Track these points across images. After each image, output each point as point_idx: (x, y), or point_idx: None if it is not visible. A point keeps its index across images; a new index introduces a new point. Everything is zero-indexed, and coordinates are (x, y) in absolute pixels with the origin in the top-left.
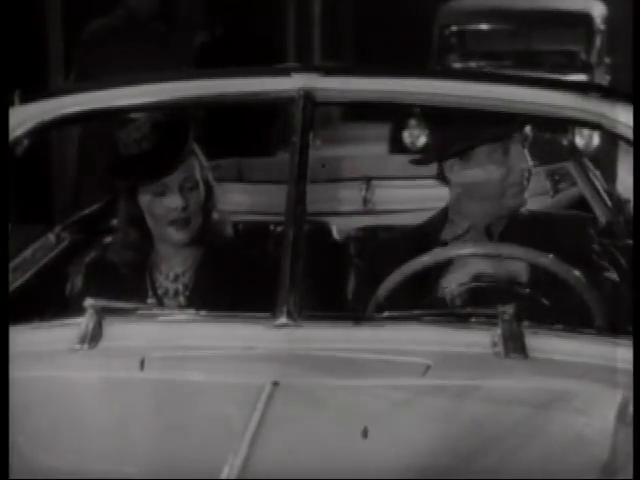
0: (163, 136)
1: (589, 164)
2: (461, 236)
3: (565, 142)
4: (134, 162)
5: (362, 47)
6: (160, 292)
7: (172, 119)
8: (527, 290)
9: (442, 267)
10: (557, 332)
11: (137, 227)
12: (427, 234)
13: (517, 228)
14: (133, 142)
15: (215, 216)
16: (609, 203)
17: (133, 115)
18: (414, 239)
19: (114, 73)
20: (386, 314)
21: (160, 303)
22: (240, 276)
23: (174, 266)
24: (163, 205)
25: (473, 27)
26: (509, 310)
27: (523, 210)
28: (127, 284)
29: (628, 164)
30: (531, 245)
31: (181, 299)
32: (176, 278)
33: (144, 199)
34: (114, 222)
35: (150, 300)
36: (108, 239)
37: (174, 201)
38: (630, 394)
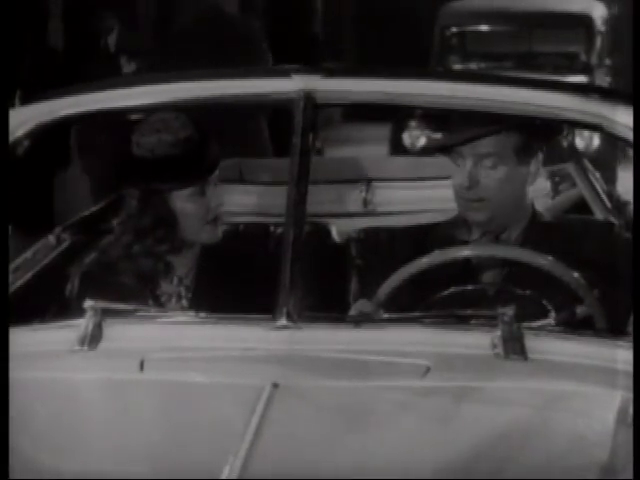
0: (204, 135)
1: (589, 165)
2: (476, 240)
3: (565, 143)
4: (178, 163)
5: (363, 48)
6: (163, 299)
7: (209, 117)
8: (527, 292)
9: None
10: (557, 334)
11: (166, 230)
12: (445, 235)
13: (537, 235)
14: (178, 142)
15: None
16: (609, 204)
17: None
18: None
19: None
20: (386, 316)
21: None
22: (240, 277)
23: (177, 269)
24: (205, 203)
25: (474, 28)
26: (509, 312)
27: (546, 217)
28: (127, 296)
29: (628, 165)
30: (552, 252)
31: (184, 302)
32: (180, 281)
33: (178, 199)
34: (121, 228)
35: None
36: (106, 242)
37: (216, 199)
38: (630, 395)
